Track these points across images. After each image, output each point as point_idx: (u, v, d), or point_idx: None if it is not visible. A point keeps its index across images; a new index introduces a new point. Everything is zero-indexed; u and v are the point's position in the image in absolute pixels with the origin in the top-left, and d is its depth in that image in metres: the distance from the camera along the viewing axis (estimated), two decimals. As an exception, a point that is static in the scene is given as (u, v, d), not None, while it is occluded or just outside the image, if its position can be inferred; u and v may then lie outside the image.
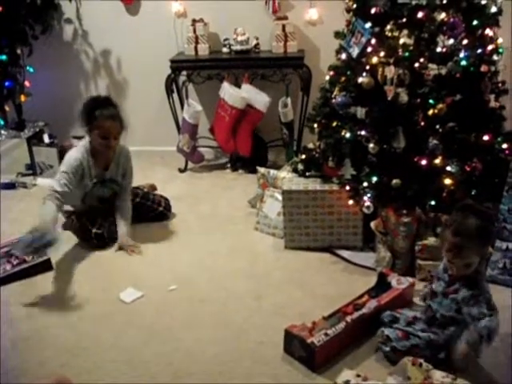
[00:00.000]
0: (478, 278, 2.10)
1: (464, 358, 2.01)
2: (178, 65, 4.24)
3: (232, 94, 4.08)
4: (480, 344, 1.97)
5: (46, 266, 3.00)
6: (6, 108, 4.56)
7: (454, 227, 2.06)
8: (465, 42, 2.76)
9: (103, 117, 3.12)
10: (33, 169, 4.38)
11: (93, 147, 3.19)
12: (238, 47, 4.19)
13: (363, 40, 2.84)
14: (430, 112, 2.74)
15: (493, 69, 2.91)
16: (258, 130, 4.32)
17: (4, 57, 4.28)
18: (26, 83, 4.50)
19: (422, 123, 2.78)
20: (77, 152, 3.18)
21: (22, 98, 4.50)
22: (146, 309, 2.66)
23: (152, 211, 3.55)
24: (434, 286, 2.25)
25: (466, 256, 2.04)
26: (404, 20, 2.79)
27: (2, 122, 4.50)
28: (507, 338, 2.31)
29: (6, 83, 4.38)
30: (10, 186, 4.21)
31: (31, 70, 4.49)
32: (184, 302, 2.71)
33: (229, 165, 4.42)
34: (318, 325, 2.28)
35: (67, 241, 3.28)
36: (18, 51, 4.40)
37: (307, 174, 3.19)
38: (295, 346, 2.25)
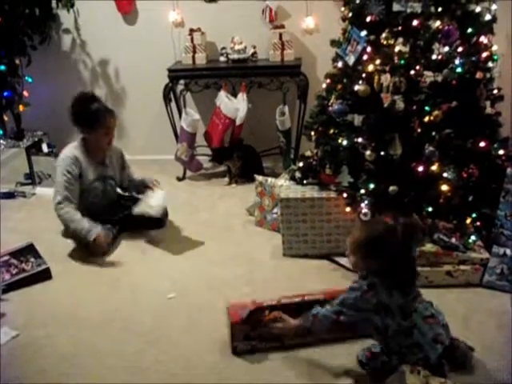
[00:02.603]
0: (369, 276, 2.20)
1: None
2: (175, 74, 4.26)
3: (227, 104, 4.12)
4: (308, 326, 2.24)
5: (45, 275, 3.00)
6: (5, 118, 4.58)
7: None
8: (460, 49, 2.79)
9: (106, 114, 3.22)
10: (32, 178, 4.38)
11: (89, 145, 3.27)
12: (236, 56, 4.22)
13: (359, 48, 2.87)
14: (426, 119, 2.77)
15: (488, 75, 2.94)
16: (250, 140, 4.34)
17: (3, 67, 4.31)
18: (25, 93, 4.53)
19: (419, 130, 2.80)
20: (70, 150, 3.27)
21: (21, 107, 4.53)
22: (145, 317, 2.67)
23: (148, 218, 3.54)
24: None
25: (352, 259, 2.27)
26: (399, 28, 2.82)
27: (1, 132, 4.52)
28: (507, 343, 2.32)
29: (5, 93, 4.40)
30: (9, 195, 4.21)
31: (30, 80, 4.51)
32: (183, 309, 2.71)
33: (228, 174, 4.42)
34: None
35: (66, 249, 3.29)
36: (17, 61, 4.43)
37: (305, 181, 3.20)
38: None
